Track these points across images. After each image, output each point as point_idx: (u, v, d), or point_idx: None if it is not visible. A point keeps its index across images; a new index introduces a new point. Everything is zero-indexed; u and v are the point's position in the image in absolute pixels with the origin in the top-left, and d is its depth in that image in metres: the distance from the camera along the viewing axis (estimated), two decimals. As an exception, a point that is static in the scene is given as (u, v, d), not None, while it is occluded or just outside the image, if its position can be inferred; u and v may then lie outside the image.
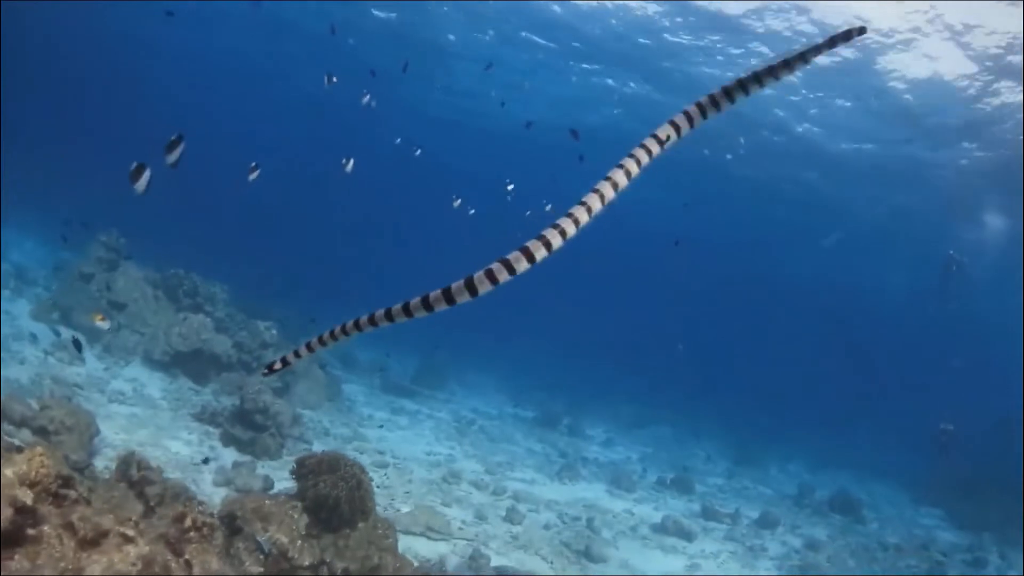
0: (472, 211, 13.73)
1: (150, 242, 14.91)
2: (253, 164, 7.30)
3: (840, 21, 14.99)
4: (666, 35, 18.17)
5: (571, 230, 1.61)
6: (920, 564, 12.00)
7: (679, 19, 17.37)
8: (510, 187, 12.26)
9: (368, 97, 10.75)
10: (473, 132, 28.49)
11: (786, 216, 28.38)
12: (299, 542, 5.84)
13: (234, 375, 11.61)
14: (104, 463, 7.53)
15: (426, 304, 1.69)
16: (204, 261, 14.46)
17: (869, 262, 30.74)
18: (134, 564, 4.30)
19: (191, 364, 11.61)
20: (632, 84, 21.42)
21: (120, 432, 8.81)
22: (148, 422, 9.49)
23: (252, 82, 30.34)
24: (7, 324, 11.20)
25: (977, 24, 14.19)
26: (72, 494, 4.31)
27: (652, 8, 17.20)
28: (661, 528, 11.43)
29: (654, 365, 29.11)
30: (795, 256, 32.77)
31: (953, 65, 15.71)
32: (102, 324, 9.65)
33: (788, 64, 1.75)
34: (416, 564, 6.73)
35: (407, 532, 8.10)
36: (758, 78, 1.73)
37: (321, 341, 2.00)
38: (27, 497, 3.91)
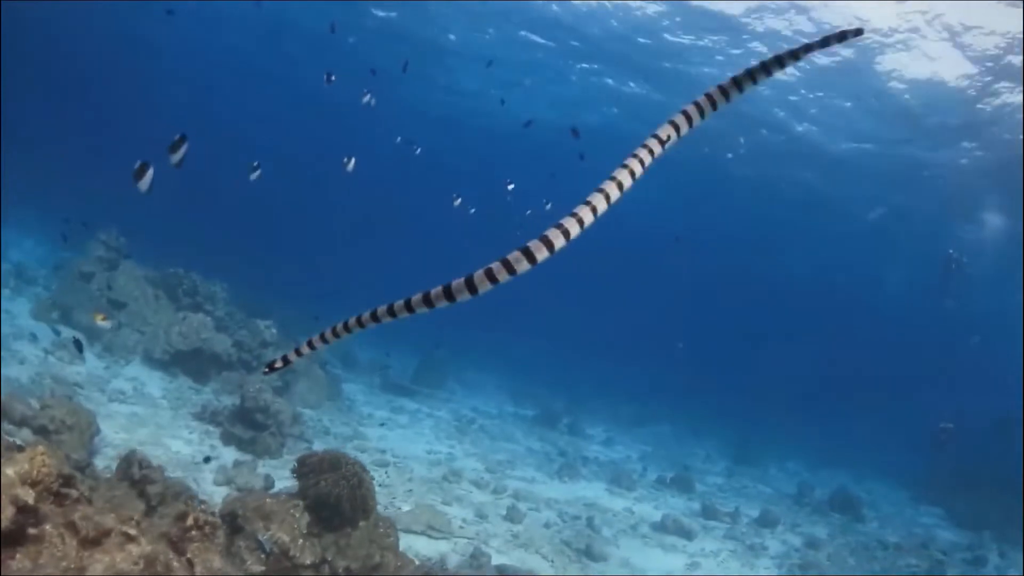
0: (473, 210, 13.73)
1: (149, 241, 14.92)
2: (255, 163, 7.31)
3: (840, 21, 15.00)
4: (666, 35, 18.17)
5: (575, 229, 1.61)
6: (920, 563, 12.01)
7: (679, 19, 17.37)
8: (511, 187, 12.26)
9: (369, 96, 10.75)
10: (473, 131, 28.49)
11: (786, 215, 28.40)
12: (301, 541, 5.84)
13: (234, 374, 11.61)
14: (105, 462, 7.54)
15: (427, 300, 1.69)
16: (204, 260, 14.46)
17: (868, 261, 30.75)
18: (136, 563, 4.31)
19: (191, 363, 11.61)
20: (632, 84, 21.42)
21: (120, 431, 8.81)
22: (148, 421, 9.49)
23: (252, 81, 30.34)
24: (7, 323, 11.20)
25: (976, 24, 14.20)
26: (74, 493, 4.32)
27: (652, 8, 17.20)
28: (661, 527, 11.45)
29: (654, 364, 29.15)
30: (795, 255, 32.79)
31: (952, 65, 15.72)
32: (104, 324, 9.66)
33: (780, 61, 1.76)
34: (417, 563, 6.74)
35: (408, 531, 8.11)
36: (752, 75, 1.74)
37: (323, 338, 2.00)
38: (29, 496, 3.92)
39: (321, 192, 40.16)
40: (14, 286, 13.47)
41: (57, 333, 11.05)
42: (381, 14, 21.24)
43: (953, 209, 22.30)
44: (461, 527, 9.09)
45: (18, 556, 3.94)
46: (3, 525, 3.73)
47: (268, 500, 6.06)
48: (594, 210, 1.60)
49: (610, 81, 21.61)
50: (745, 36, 16.88)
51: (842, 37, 1.77)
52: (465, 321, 27.32)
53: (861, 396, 30.68)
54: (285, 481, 8.11)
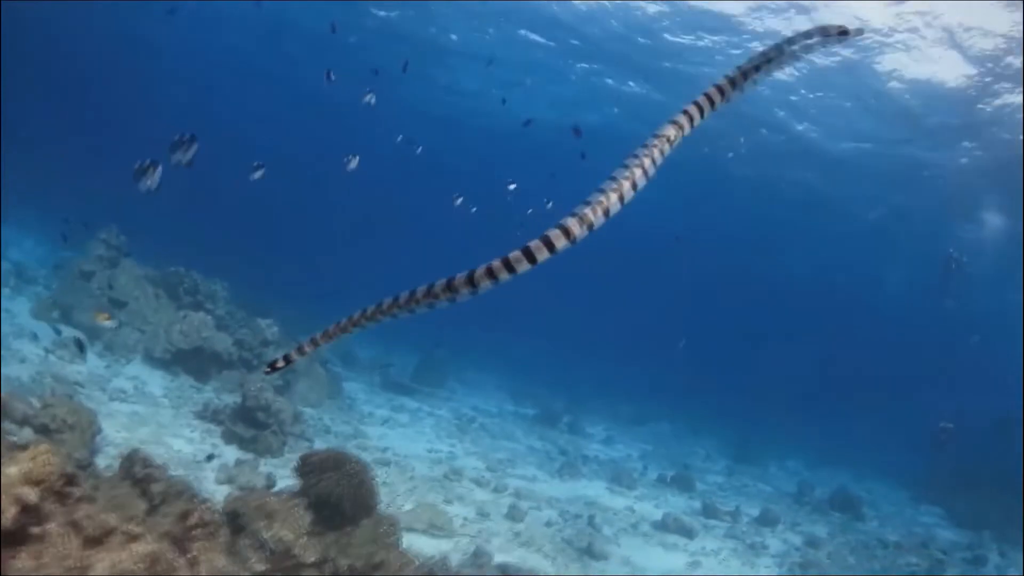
0: (474, 209, 13.74)
1: (149, 240, 14.92)
2: (257, 163, 7.31)
3: (840, 21, 14.97)
4: (666, 35, 18.18)
5: (595, 217, 1.59)
6: (920, 562, 12.02)
7: (679, 19, 17.38)
8: (512, 187, 12.26)
9: (370, 96, 10.76)
10: (473, 131, 28.49)
11: (786, 215, 28.41)
12: (303, 539, 5.84)
13: (235, 373, 11.62)
14: (106, 461, 7.53)
15: (471, 279, 1.68)
16: (203, 260, 14.46)
17: (868, 261, 30.76)
18: (140, 562, 4.30)
19: (192, 362, 11.61)
20: (631, 84, 21.43)
21: (121, 430, 8.81)
22: (149, 420, 9.49)
23: (252, 81, 30.34)
24: (7, 322, 11.19)
25: (976, 25, 14.21)
26: (76, 492, 4.31)
27: (652, 8, 17.20)
28: (662, 525, 11.46)
29: (654, 363, 29.17)
30: (795, 255, 32.80)
31: (952, 65, 15.73)
32: (107, 323, 9.65)
33: (769, 58, 1.75)
34: (419, 561, 6.75)
35: (409, 529, 8.11)
36: (744, 74, 1.73)
37: (326, 335, 1.99)
38: (32, 495, 3.91)
39: (321, 192, 40.15)
40: (14, 285, 13.47)
41: (58, 332, 11.05)
42: (381, 14, 21.24)
43: (953, 209, 22.31)
44: (463, 526, 9.09)
45: (21, 555, 3.93)
46: (6, 524, 3.73)
47: (270, 499, 6.06)
48: (607, 212, 1.59)
49: (610, 81, 21.63)
50: (745, 36, 16.89)
51: (825, 33, 1.75)
52: (465, 320, 27.33)
53: (861, 396, 30.72)
54: (287, 480, 8.11)
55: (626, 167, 1.64)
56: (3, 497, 3.75)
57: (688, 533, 11.32)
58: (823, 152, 22.03)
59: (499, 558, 8.34)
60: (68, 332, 11.34)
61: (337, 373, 14.87)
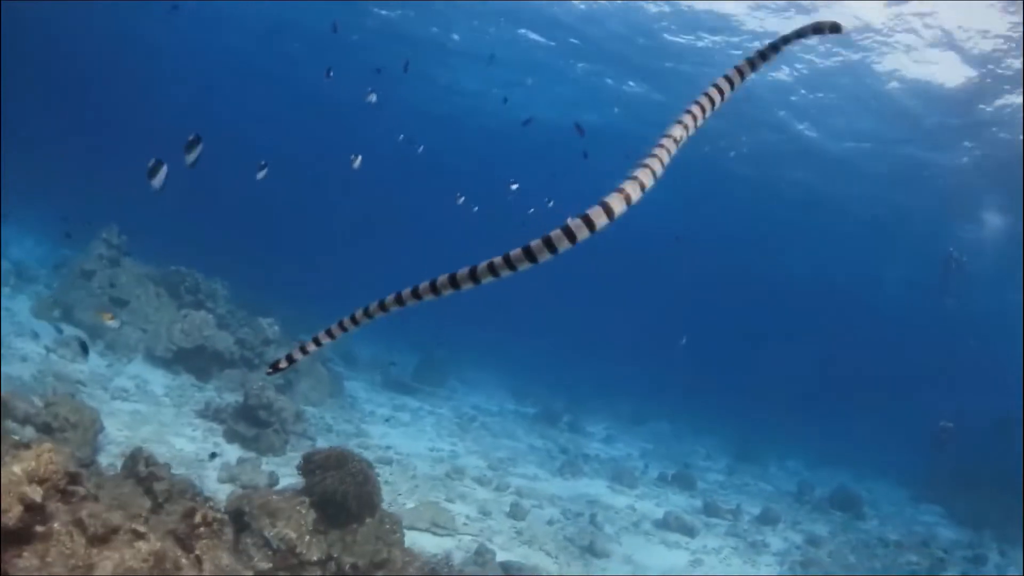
0: (476, 208, 13.74)
1: (149, 240, 14.91)
2: (262, 163, 7.31)
3: (840, 22, 14.98)
4: (666, 35, 18.19)
5: (634, 192, 1.57)
6: (921, 561, 12.03)
7: (679, 19, 17.38)
8: (514, 187, 12.27)
9: (373, 95, 10.77)
10: (474, 131, 28.49)
11: (786, 215, 28.42)
12: (307, 537, 5.85)
13: (237, 371, 11.63)
14: (108, 460, 7.53)
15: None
16: (204, 260, 14.46)
17: (868, 261, 30.78)
18: (145, 560, 4.30)
19: (193, 361, 11.61)
20: (632, 83, 21.43)
21: (123, 429, 8.81)
22: (151, 419, 9.49)
23: (252, 81, 30.32)
24: (8, 321, 11.19)
25: (976, 25, 14.20)
26: (80, 491, 4.31)
27: (652, 8, 17.20)
28: (663, 524, 11.47)
29: (654, 363, 29.18)
30: (795, 255, 32.82)
31: (952, 66, 15.74)
32: (111, 323, 9.65)
33: (763, 56, 1.78)
34: (423, 560, 6.75)
35: (412, 528, 8.12)
36: (740, 71, 1.75)
37: (330, 333, 1.99)
38: (36, 494, 3.91)
39: (321, 192, 40.16)
40: (15, 284, 13.46)
41: (59, 331, 11.05)
42: (383, 13, 21.23)
43: (953, 209, 22.31)
44: (465, 524, 9.10)
45: (26, 554, 3.93)
46: (11, 523, 3.72)
47: (274, 497, 6.07)
48: (642, 186, 1.57)
49: (610, 81, 21.63)
50: (744, 36, 16.89)
51: (818, 30, 1.78)
52: (466, 320, 27.34)
53: (861, 395, 30.75)
54: (289, 478, 8.11)
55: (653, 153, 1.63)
56: (7, 496, 3.74)
57: (689, 531, 11.33)
58: (823, 152, 22.03)
59: (501, 556, 8.35)
60: (69, 331, 11.34)
61: (338, 372, 14.87)
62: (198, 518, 4.79)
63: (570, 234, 1.51)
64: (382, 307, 1.85)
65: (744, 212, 29.41)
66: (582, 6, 17.87)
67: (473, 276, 1.62)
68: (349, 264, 35.03)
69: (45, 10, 25.47)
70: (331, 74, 10.90)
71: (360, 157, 8.83)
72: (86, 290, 12.37)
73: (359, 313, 1.90)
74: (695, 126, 1.72)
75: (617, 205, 1.52)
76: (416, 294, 1.72)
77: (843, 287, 34.44)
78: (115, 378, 10.55)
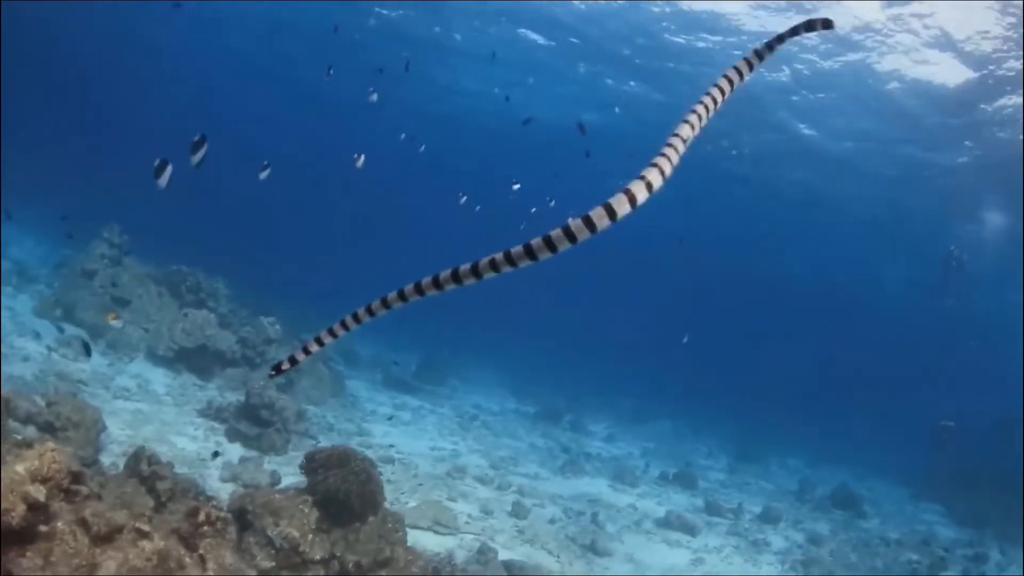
0: (478, 208, 13.75)
1: (150, 240, 14.91)
2: (264, 163, 7.31)
3: (840, 22, 14.97)
4: (666, 35, 18.19)
5: (656, 179, 1.56)
6: (922, 560, 12.04)
7: (679, 20, 17.39)
8: (516, 187, 12.28)
9: (375, 95, 10.77)
10: (475, 130, 28.48)
11: (786, 215, 28.43)
12: (310, 536, 5.85)
13: (238, 371, 11.63)
14: (110, 459, 7.53)
15: (533, 248, 1.66)
16: (204, 259, 14.46)
17: (868, 261, 30.79)
18: (149, 559, 4.30)
19: (195, 360, 11.61)
20: (632, 83, 21.43)
21: (125, 428, 8.81)
22: (153, 418, 9.49)
23: (253, 80, 30.31)
24: (10, 321, 11.19)
25: (977, 26, 14.20)
26: (84, 490, 4.30)
27: (652, 8, 17.20)
28: (665, 523, 11.48)
29: (655, 362, 29.19)
30: (795, 255, 32.83)
31: (953, 66, 15.75)
32: (115, 323, 9.65)
33: (759, 55, 1.81)
34: (425, 559, 6.75)
35: (414, 527, 8.12)
36: (739, 72, 1.77)
37: (332, 333, 1.98)
38: (40, 493, 3.90)
39: (322, 191, 40.15)
40: (16, 284, 13.45)
41: (61, 330, 11.05)
42: (384, 12, 21.22)
43: (953, 209, 22.32)
44: (467, 523, 9.11)
45: (29, 554, 3.92)
46: (15, 523, 3.72)
47: (277, 496, 6.07)
48: (661, 173, 1.57)
49: (610, 81, 21.63)
50: (745, 37, 16.89)
51: (810, 27, 1.84)
52: (467, 319, 27.35)
53: (861, 395, 30.76)
54: (291, 477, 8.11)
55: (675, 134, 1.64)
56: (11, 495, 3.73)
57: (691, 530, 11.34)
58: (823, 152, 22.04)
59: (504, 555, 8.35)
60: (71, 331, 11.34)
61: (339, 371, 14.87)
62: (202, 517, 4.79)
63: (591, 224, 1.51)
64: (384, 304, 1.84)
65: (744, 212, 29.42)
66: (583, 6, 17.88)
67: (494, 265, 1.61)
68: (349, 264, 35.03)
69: (45, 10, 25.46)
70: (331, 72, 10.89)
71: (363, 156, 8.83)
72: (88, 289, 12.36)
73: (361, 311, 1.90)
74: (697, 129, 1.73)
75: (621, 207, 1.52)
76: (437, 283, 1.71)
77: (843, 287, 34.45)
78: (117, 377, 10.55)
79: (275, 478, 8.38)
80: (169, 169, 5.37)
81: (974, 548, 13.42)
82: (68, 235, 12.39)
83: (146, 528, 4.34)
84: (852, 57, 16.65)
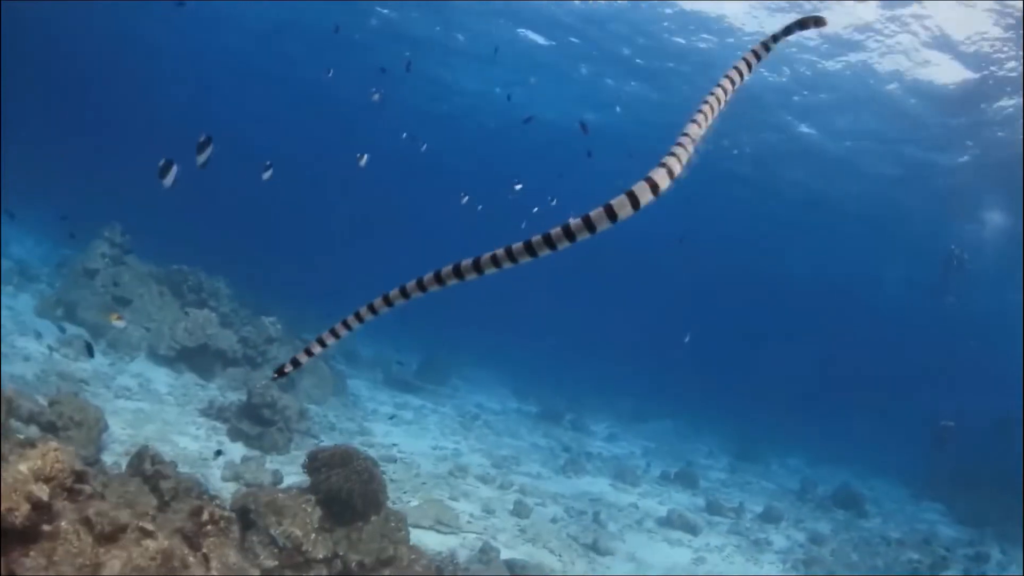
0: (480, 207, 13.75)
1: (151, 238, 14.92)
2: (267, 163, 7.31)
3: (840, 22, 15.03)
4: (666, 35, 18.20)
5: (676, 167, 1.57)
6: (923, 559, 12.04)
7: (680, 20, 17.39)
8: (518, 187, 12.28)
9: (377, 95, 10.77)
10: (476, 130, 28.48)
11: (786, 215, 28.44)
12: (313, 535, 5.85)
13: (240, 370, 11.63)
14: (112, 459, 7.52)
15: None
16: (204, 258, 14.46)
17: (868, 261, 30.81)
18: (153, 559, 4.29)
19: (197, 359, 11.61)
20: (633, 84, 21.44)
21: (127, 427, 8.80)
22: (155, 417, 9.49)
23: (253, 80, 30.29)
24: (11, 320, 11.19)
25: (977, 27, 14.21)
26: (87, 489, 4.29)
27: (653, 9, 17.21)
28: (666, 522, 11.48)
29: (655, 362, 29.19)
30: (795, 255, 32.84)
31: (953, 67, 15.76)
32: (119, 323, 9.65)
33: (756, 54, 1.83)
34: (428, 557, 6.75)
35: (416, 526, 8.12)
36: (748, 63, 1.79)
37: (334, 333, 1.98)
38: (43, 493, 3.89)
39: (323, 191, 40.14)
40: (17, 283, 13.45)
41: (62, 330, 11.04)
42: (385, 12, 21.22)
43: (953, 209, 22.33)
44: (469, 522, 9.10)
45: (33, 553, 3.91)
46: (18, 522, 3.71)
47: (280, 495, 6.07)
48: (678, 161, 1.57)
49: (611, 81, 21.63)
50: (746, 37, 16.89)
51: (803, 25, 1.87)
52: (468, 319, 27.35)
53: (861, 394, 30.77)
54: (293, 476, 8.11)
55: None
56: (14, 494, 3.73)
57: (692, 529, 11.34)
58: (823, 152, 22.05)
59: (506, 554, 8.35)
60: (72, 330, 11.34)
61: (341, 370, 14.87)
62: (205, 516, 4.78)
63: (610, 213, 1.52)
64: (387, 301, 1.84)
65: (744, 212, 29.42)
66: (583, 6, 17.88)
67: (529, 249, 1.60)
68: (351, 263, 35.02)
69: (45, 10, 25.45)
70: (331, 73, 10.91)
71: (366, 156, 8.82)
72: (89, 289, 12.36)
73: (363, 310, 1.90)
74: (703, 134, 1.74)
75: (644, 195, 1.53)
76: (455, 272, 1.69)
77: (843, 287, 34.46)
78: (118, 377, 10.54)
79: (277, 477, 8.37)
80: (175, 169, 5.38)
81: (975, 547, 13.43)
82: (70, 235, 12.39)
83: (150, 527, 4.33)
84: (853, 57, 16.66)
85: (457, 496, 9.97)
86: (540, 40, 20.30)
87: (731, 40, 17.28)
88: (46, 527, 3.96)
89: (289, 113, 33.25)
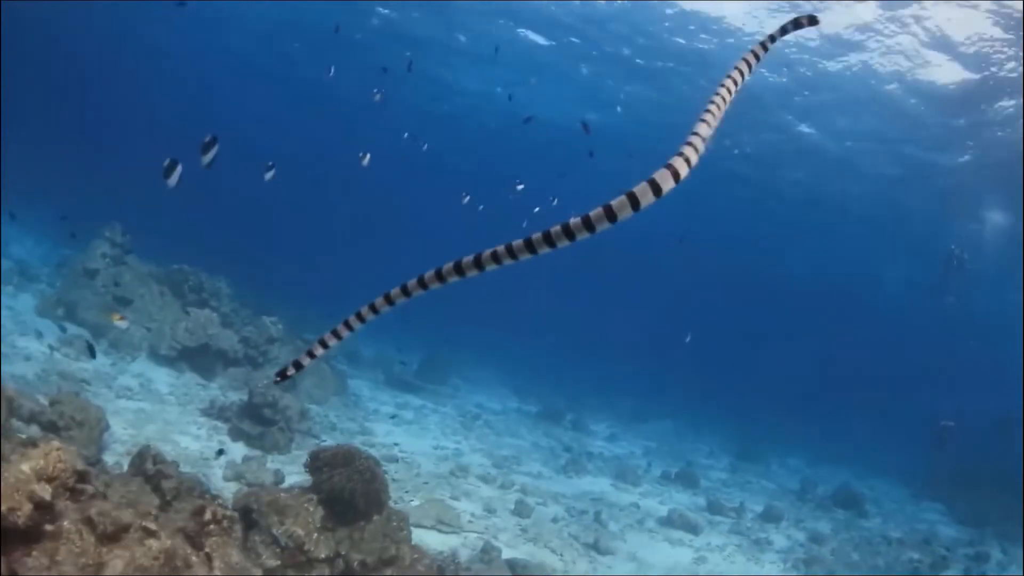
0: (481, 207, 13.76)
1: (151, 238, 14.92)
2: (269, 163, 7.31)
3: (840, 22, 15.04)
4: (666, 36, 18.21)
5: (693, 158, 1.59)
6: (924, 558, 12.05)
7: (680, 20, 17.40)
8: (520, 187, 12.29)
9: (379, 95, 10.78)
10: (476, 130, 28.49)
11: (786, 215, 28.45)
12: (315, 535, 5.85)
13: (241, 370, 11.63)
14: (113, 459, 7.53)
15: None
16: (204, 258, 14.47)
17: (868, 261, 30.81)
18: (156, 558, 4.29)
19: (198, 359, 11.61)
20: (633, 84, 21.45)
21: (128, 427, 8.81)
22: (156, 417, 9.49)
23: (253, 80, 30.30)
24: (11, 320, 11.19)
25: (977, 28, 14.22)
26: (89, 489, 4.29)
27: (653, 9, 17.21)
28: (667, 521, 11.49)
29: (656, 361, 29.20)
30: (795, 255, 32.85)
31: (953, 67, 15.77)
32: (121, 323, 9.65)
33: (756, 56, 1.86)
34: (430, 557, 6.75)
35: (418, 525, 8.12)
36: (748, 64, 1.81)
37: (335, 334, 1.99)
38: (45, 492, 3.89)
39: (324, 191, 40.15)
40: (17, 283, 13.45)
41: (63, 330, 11.05)
42: (386, 12, 21.23)
43: (953, 209, 22.34)
44: (470, 521, 9.11)
45: (35, 553, 3.91)
46: (20, 522, 3.71)
47: (282, 494, 6.07)
48: (694, 152, 1.59)
49: (611, 82, 21.65)
50: (746, 37, 16.90)
51: (797, 25, 1.91)
52: (468, 319, 27.35)
53: (861, 394, 30.78)
54: (294, 476, 8.12)
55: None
56: (16, 494, 3.73)
57: (693, 529, 11.35)
58: (824, 152, 22.06)
59: (507, 554, 8.35)
60: (73, 330, 11.34)
61: (342, 370, 14.87)
62: (208, 516, 4.79)
63: (610, 213, 1.53)
64: (388, 300, 1.85)
65: (744, 212, 29.43)
66: (583, 6, 17.89)
67: (548, 240, 1.61)
68: (352, 263, 35.04)
69: (45, 10, 25.45)
70: (332, 72, 10.92)
71: (368, 155, 8.83)
72: (90, 289, 12.36)
73: (365, 309, 1.91)
74: (709, 137, 1.76)
75: (665, 182, 1.54)
76: (455, 268, 1.70)
77: (843, 287, 34.47)
78: (119, 376, 10.55)
79: (278, 477, 8.38)
80: (179, 169, 5.39)
81: (975, 547, 13.44)
82: (71, 234, 12.40)
83: (153, 527, 4.33)
84: (853, 57, 16.67)
85: (458, 496, 9.98)
86: (541, 40, 20.31)
87: (731, 40, 17.28)
88: (48, 527, 3.96)
89: (290, 113, 33.25)
